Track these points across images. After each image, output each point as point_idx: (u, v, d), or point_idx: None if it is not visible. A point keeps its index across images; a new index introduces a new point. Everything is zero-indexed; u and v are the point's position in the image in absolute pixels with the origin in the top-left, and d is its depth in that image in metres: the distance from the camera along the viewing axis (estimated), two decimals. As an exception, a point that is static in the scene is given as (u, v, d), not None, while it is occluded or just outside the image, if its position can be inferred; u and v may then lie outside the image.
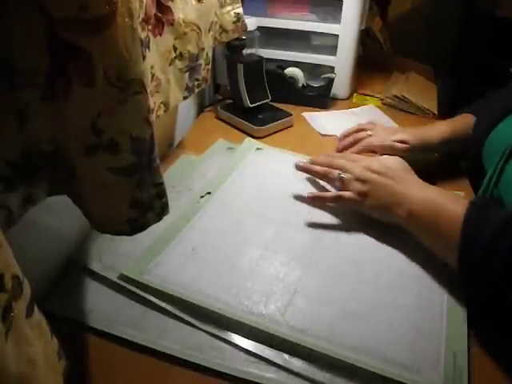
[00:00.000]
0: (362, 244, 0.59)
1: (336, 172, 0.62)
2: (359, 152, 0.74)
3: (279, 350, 0.45)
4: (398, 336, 0.47)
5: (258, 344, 0.46)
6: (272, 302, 0.50)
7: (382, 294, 0.52)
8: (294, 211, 0.65)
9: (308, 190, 0.68)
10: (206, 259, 0.55)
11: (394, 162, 0.62)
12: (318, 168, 0.65)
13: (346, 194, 0.60)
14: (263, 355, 0.45)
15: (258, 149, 0.80)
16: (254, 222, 0.62)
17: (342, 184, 0.61)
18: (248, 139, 0.83)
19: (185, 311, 0.48)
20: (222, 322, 0.47)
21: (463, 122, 0.75)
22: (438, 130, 0.74)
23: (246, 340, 0.46)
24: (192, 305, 0.48)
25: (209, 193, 0.67)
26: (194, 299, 0.49)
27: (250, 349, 0.45)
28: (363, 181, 0.59)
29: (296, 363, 0.44)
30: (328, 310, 0.49)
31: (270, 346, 0.45)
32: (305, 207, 0.66)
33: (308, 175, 0.70)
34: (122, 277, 0.51)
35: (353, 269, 0.55)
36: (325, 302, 0.50)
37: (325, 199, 0.63)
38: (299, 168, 0.66)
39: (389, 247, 0.59)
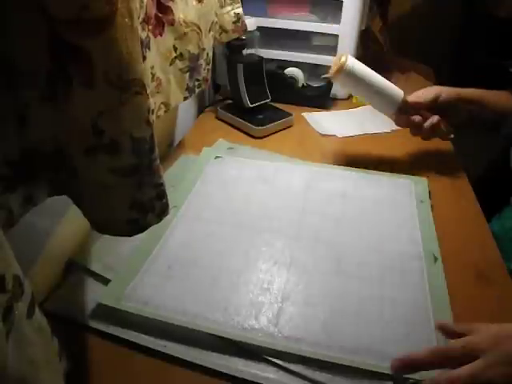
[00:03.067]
0: (340, 239, 0.60)
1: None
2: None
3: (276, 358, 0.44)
4: (391, 330, 0.47)
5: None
6: (262, 313, 0.48)
7: (366, 288, 0.52)
8: (267, 216, 0.64)
9: (273, 192, 0.69)
10: (185, 277, 0.53)
11: None
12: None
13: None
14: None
15: (217, 157, 0.78)
16: (227, 232, 0.60)
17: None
18: (206, 148, 0.81)
19: (174, 337, 0.46)
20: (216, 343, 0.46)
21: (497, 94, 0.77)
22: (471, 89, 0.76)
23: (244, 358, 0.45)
24: (182, 328, 0.46)
25: (175, 206, 0.64)
26: (184, 322, 0.46)
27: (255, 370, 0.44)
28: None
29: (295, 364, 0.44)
30: (319, 312, 0.49)
31: (268, 355, 0.45)
32: (276, 210, 0.65)
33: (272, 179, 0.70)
34: (101, 307, 0.48)
35: (333, 265, 0.55)
36: (314, 304, 0.50)
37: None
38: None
39: (365, 242, 0.60)
